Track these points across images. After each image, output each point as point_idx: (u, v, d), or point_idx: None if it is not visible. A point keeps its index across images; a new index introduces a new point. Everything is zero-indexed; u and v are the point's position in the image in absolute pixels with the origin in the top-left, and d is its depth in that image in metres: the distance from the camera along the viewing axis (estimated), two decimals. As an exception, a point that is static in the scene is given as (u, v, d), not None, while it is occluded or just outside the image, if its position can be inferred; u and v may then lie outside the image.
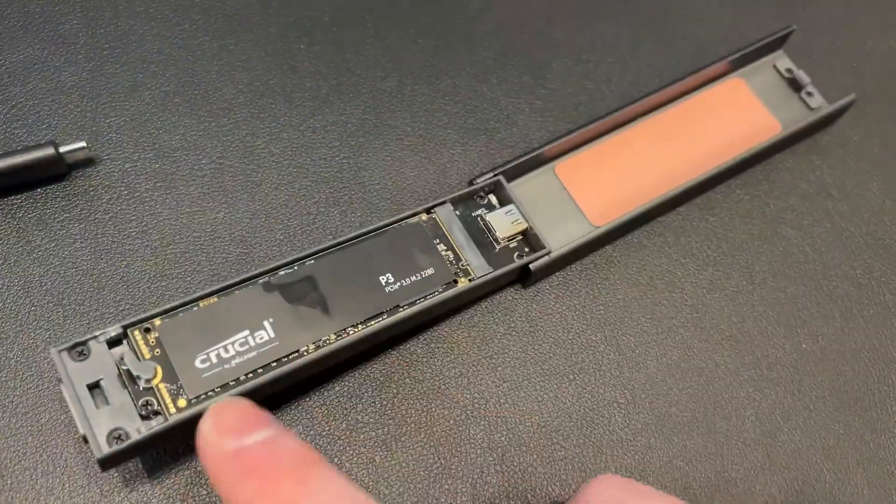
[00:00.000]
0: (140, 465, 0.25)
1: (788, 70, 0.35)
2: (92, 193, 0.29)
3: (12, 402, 0.26)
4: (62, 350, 0.23)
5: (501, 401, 0.28)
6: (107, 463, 0.22)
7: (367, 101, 0.33)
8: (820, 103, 0.35)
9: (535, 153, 0.31)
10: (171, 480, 0.25)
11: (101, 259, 0.28)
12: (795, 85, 0.35)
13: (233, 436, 0.19)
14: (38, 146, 0.28)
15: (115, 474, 0.25)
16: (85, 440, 0.22)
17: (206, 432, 0.20)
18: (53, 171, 0.29)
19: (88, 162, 0.30)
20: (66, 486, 0.25)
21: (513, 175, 0.31)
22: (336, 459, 0.26)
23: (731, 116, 0.34)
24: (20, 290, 0.27)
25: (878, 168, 0.35)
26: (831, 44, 0.38)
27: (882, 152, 0.36)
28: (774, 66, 0.36)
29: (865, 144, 0.36)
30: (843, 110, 0.35)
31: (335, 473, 0.19)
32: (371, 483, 0.26)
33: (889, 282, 0.33)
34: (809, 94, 0.35)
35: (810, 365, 0.31)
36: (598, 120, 0.32)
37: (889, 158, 0.36)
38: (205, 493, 0.25)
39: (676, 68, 0.36)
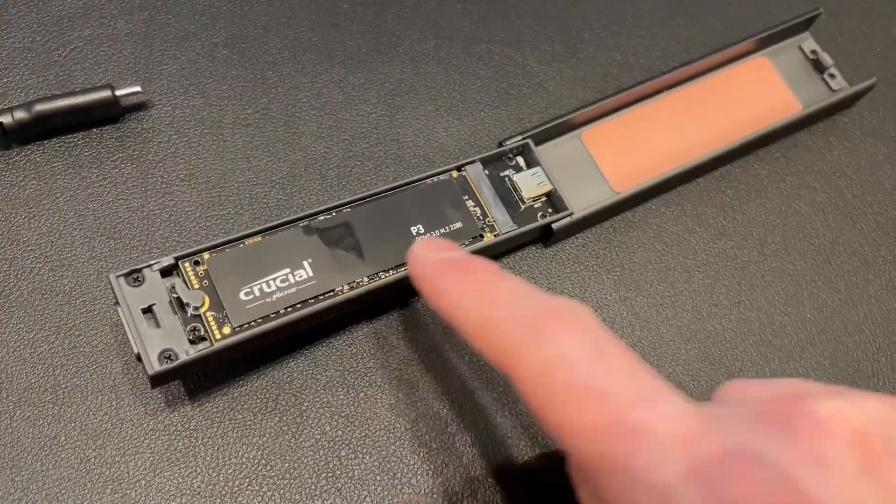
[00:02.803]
0: (182, 389, 0.27)
1: (813, 52, 0.36)
2: (144, 136, 0.31)
3: (66, 324, 0.28)
4: (120, 276, 0.25)
5: (518, 350, 0.30)
6: (156, 380, 0.24)
7: (405, 62, 0.35)
8: (841, 85, 0.36)
9: (562, 119, 0.32)
10: (211, 404, 0.27)
11: (150, 198, 0.30)
12: (819, 66, 0.36)
13: (438, 251, 0.24)
14: (96, 88, 0.30)
15: (159, 395, 0.27)
16: (138, 358, 0.24)
17: (418, 247, 0.24)
18: (108, 114, 0.31)
19: (141, 106, 0.32)
20: (114, 403, 0.27)
21: (541, 139, 0.32)
22: (363, 393, 0.28)
23: (754, 94, 0.35)
24: (75, 223, 0.29)
25: (893, 152, 0.37)
26: (857, 28, 0.39)
27: (899, 136, 0.37)
28: (800, 47, 0.37)
29: (883, 128, 0.37)
30: (863, 93, 0.36)
31: (522, 279, 0.23)
32: (395, 419, 0.28)
33: (895, 260, 0.34)
34: (832, 75, 0.36)
35: (813, 334, 0.32)
36: (625, 90, 0.33)
37: (905, 143, 0.37)
38: (240, 416, 0.27)
39: (704, 44, 0.37)
